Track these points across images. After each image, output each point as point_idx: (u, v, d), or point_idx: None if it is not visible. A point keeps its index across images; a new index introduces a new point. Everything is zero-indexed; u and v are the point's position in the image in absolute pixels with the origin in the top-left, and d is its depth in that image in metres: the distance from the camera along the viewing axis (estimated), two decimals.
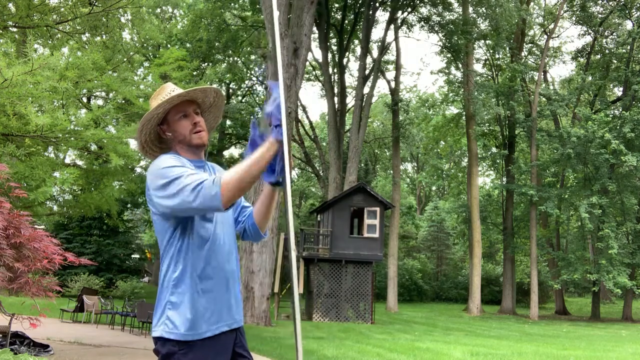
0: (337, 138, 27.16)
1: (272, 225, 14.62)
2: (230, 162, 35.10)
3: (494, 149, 32.38)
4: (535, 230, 26.72)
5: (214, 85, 2.06)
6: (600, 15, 28.95)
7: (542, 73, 29.74)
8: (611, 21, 29.11)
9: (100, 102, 14.73)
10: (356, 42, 32.22)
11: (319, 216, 21.81)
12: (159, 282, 1.84)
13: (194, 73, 26.38)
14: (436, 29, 28.68)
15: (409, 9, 28.69)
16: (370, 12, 27.12)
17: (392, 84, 30.43)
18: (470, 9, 27.79)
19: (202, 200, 1.63)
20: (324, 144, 36.63)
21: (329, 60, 28.83)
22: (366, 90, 27.45)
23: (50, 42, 8.80)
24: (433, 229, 40.64)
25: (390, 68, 33.73)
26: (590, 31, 29.69)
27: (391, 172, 33.95)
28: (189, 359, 1.72)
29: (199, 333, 1.75)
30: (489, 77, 31.33)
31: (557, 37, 32.60)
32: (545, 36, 30.31)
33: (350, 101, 31.17)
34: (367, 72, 27.74)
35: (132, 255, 29.22)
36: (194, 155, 1.92)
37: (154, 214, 1.84)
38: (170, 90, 1.91)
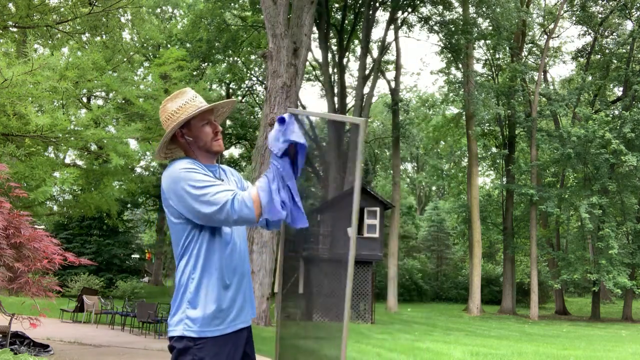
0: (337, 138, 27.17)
1: None
2: (230, 162, 35.09)
3: (494, 149, 32.38)
4: (535, 230, 26.70)
5: (233, 98, 2.17)
6: (600, 15, 28.95)
7: (542, 73, 29.74)
8: (611, 21, 29.12)
9: (100, 102, 14.73)
10: (356, 42, 32.22)
11: (319, 216, 21.81)
12: (177, 281, 1.89)
13: (194, 73, 26.38)
14: (436, 29, 28.66)
15: (409, 9, 28.67)
16: (370, 12, 27.11)
17: (392, 84, 30.42)
18: (471, 9, 27.77)
19: (239, 215, 1.72)
20: (324, 143, 36.60)
21: (329, 60, 28.82)
22: (366, 90, 27.46)
23: (50, 42, 8.80)
24: (433, 229, 40.64)
25: (390, 68, 33.73)
26: (590, 31, 29.68)
27: (391, 172, 33.97)
28: (204, 354, 1.77)
29: (218, 329, 1.81)
30: (489, 77, 31.32)
31: (557, 37, 32.61)
32: (545, 36, 30.32)
33: (350, 101, 31.16)
34: (367, 72, 27.74)
35: (132, 255, 29.22)
36: (209, 160, 1.99)
37: (172, 215, 1.87)
38: (193, 96, 1.96)
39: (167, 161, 2.06)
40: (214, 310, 1.80)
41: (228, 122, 31.69)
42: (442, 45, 29.52)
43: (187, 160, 1.88)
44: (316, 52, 34.72)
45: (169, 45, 26.41)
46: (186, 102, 1.92)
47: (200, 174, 1.79)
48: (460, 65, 29.06)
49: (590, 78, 28.28)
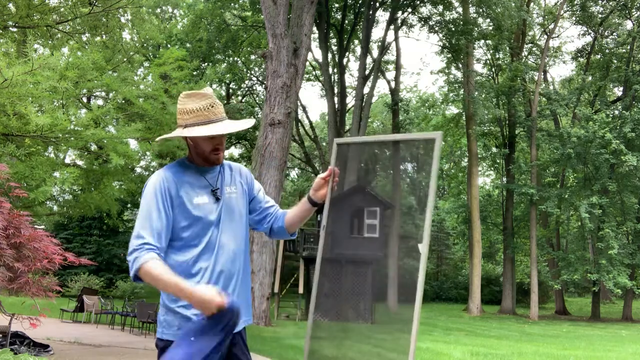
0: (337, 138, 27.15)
1: None
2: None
3: (494, 149, 32.38)
4: (535, 230, 26.70)
5: (250, 120, 2.04)
6: (600, 15, 28.95)
7: (542, 73, 29.74)
8: (611, 21, 29.12)
9: (100, 102, 14.72)
10: (356, 42, 32.20)
11: (318, 216, 21.82)
12: None
13: (194, 73, 26.37)
14: (436, 29, 28.66)
15: (409, 9, 28.67)
16: (370, 12, 27.10)
17: (392, 84, 30.42)
18: (472, 9, 27.77)
19: (130, 262, 1.75)
20: (324, 144, 36.63)
21: (329, 60, 28.81)
22: (366, 90, 27.45)
23: (50, 42, 8.81)
24: (433, 229, 40.62)
25: (390, 68, 33.71)
26: (590, 31, 29.68)
27: (391, 172, 33.97)
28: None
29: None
30: (489, 77, 31.31)
31: (557, 37, 32.60)
32: (545, 36, 30.31)
33: (350, 101, 31.14)
34: (367, 72, 27.73)
35: None
36: (207, 164, 1.97)
37: None
38: (208, 105, 1.89)
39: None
40: (188, 316, 1.79)
41: None
42: (442, 45, 29.53)
43: (168, 169, 1.91)
44: (316, 52, 34.69)
45: (169, 45, 26.41)
46: (199, 109, 1.88)
47: (154, 203, 1.81)
48: (460, 65, 29.06)
49: (590, 78, 28.28)
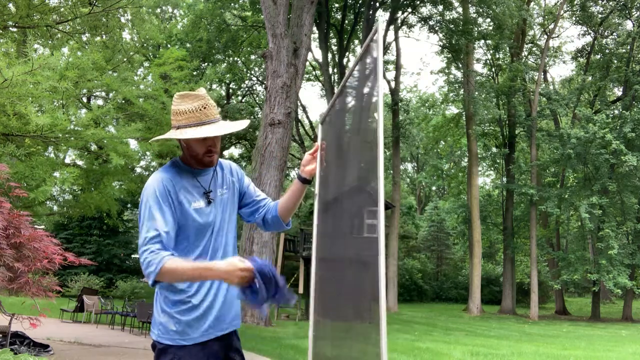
0: None
1: None
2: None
3: (494, 149, 32.39)
4: (535, 230, 26.69)
5: (244, 122, 1.99)
6: (600, 15, 28.95)
7: (542, 73, 29.74)
8: (611, 21, 29.12)
9: (100, 102, 14.73)
10: (356, 42, 32.19)
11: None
12: None
13: (194, 73, 26.37)
14: (436, 28, 28.65)
15: (409, 9, 28.66)
16: (370, 12, 27.09)
17: (392, 84, 30.41)
18: (472, 9, 27.76)
19: (145, 269, 1.71)
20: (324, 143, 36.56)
21: (329, 60, 28.80)
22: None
23: (50, 42, 8.81)
24: (433, 229, 40.64)
25: (390, 68, 33.71)
26: (590, 31, 29.69)
27: (391, 172, 34.01)
28: (183, 353, 1.79)
29: (191, 338, 1.82)
30: (489, 77, 31.31)
31: (557, 37, 32.60)
32: (545, 36, 30.32)
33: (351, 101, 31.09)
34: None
35: (132, 255, 29.20)
36: (201, 167, 1.95)
37: None
38: (200, 106, 1.84)
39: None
40: (183, 320, 1.81)
41: None
42: (442, 45, 29.51)
43: (165, 171, 1.87)
44: (316, 52, 34.68)
45: (169, 45, 26.41)
46: (192, 110, 1.84)
47: (155, 204, 1.77)
48: (460, 65, 29.05)
49: (590, 78, 28.27)
